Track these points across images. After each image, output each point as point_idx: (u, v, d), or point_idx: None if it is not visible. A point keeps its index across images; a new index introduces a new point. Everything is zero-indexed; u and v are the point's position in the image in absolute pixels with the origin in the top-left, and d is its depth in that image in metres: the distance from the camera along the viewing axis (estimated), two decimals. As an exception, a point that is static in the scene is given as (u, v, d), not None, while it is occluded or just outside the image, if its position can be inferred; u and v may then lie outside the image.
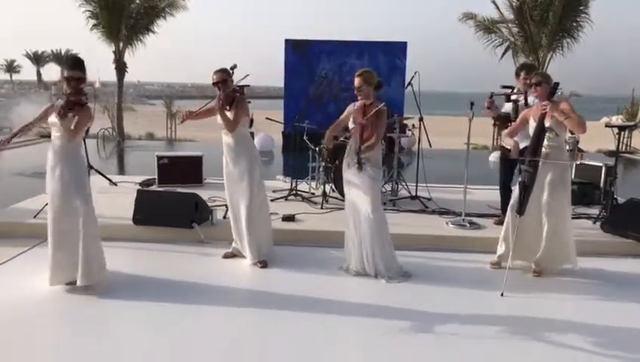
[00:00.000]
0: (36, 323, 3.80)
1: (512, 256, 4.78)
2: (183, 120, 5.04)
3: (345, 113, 4.89)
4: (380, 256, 4.70)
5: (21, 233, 5.65)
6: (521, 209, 4.62)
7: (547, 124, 4.58)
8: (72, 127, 4.13)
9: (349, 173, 4.76)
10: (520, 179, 4.68)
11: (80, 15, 17.97)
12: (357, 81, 4.69)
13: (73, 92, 4.14)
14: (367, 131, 4.61)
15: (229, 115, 4.84)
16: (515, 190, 4.81)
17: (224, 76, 4.84)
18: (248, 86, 4.94)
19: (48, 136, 4.34)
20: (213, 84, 4.87)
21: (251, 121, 5.18)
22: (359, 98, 4.75)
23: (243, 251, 5.08)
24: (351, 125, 4.75)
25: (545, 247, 4.78)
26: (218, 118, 4.89)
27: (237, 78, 4.93)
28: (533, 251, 4.85)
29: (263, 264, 4.96)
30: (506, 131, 5.26)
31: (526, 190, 4.59)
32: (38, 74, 70.51)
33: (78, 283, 4.20)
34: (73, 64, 4.22)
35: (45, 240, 4.38)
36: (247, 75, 4.90)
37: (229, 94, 4.84)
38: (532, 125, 4.74)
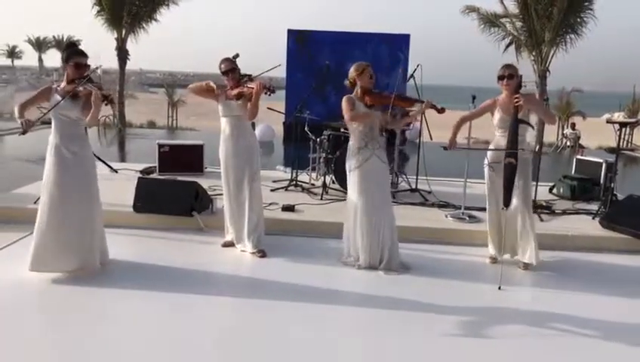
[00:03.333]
0: (35, 309, 3.82)
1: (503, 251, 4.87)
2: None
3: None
4: (392, 245, 4.74)
5: (21, 218, 5.65)
6: (506, 201, 4.64)
7: (520, 116, 4.61)
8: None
9: (370, 165, 4.68)
10: (502, 171, 4.69)
11: (82, 1, 17.94)
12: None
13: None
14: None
15: (240, 103, 4.83)
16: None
17: (232, 65, 4.83)
18: (250, 75, 4.92)
19: (49, 122, 4.34)
20: (222, 73, 4.84)
21: None
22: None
23: (237, 241, 5.09)
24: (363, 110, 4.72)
25: (531, 239, 4.77)
26: (219, 104, 4.88)
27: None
28: (514, 245, 4.89)
29: (262, 254, 4.97)
30: (462, 115, 5.21)
31: (510, 182, 4.61)
32: (40, 60, 70.33)
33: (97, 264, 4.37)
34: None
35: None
36: (279, 65, 4.93)
37: (244, 92, 4.75)
38: (497, 118, 4.79)
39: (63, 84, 4.27)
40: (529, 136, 5.00)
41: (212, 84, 4.93)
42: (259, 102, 4.73)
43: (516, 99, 4.56)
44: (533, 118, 4.88)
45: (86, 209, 4.26)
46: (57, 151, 4.20)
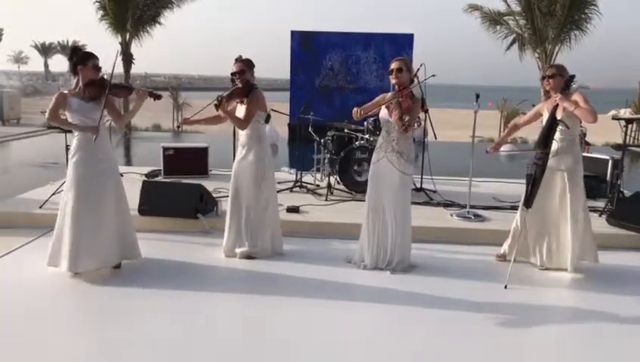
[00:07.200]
0: (44, 312, 3.83)
1: (536, 261, 4.82)
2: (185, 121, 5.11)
3: (375, 100, 4.74)
4: (399, 249, 4.69)
5: (27, 223, 5.69)
6: (528, 202, 4.59)
7: (559, 116, 4.55)
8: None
9: (379, 167, 4.68)
10: (528, 171, 4.65)
11: (85, 6, 18.04)
12: (396, 64, 4.61)
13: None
14: (405, 104, 4.49)
15: (242, 109, 4.77)
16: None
17: (243, 67, 4.72)
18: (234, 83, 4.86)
19: (54, 127, 4.36)
20: (231, 74, 4.73)
21: (268, 116, 5.01)
22: (394, 82, 4.63)
23: (227, 243, 4.96)
24: (382, 114, 4.67)
25: (577, 245, 4.67)
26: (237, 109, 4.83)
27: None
28: (559, 253, 4.76)
29: (248, 257, 4.91)
30: (514, 120, 5.21)
31: (534, 183, 4.56)
32: (46, 65, 70.73)
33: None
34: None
35: (51, 230, 4.42)
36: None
37: (239, 91, 4.70)
38: (544, 118, 4.73)
39: (74, 88, 4.32)
40: (572, 139, 4.65)
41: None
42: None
43: (555, 98, 4.55)
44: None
45: (115, 205, 4.39)
46: (82, 153, 4.28)
